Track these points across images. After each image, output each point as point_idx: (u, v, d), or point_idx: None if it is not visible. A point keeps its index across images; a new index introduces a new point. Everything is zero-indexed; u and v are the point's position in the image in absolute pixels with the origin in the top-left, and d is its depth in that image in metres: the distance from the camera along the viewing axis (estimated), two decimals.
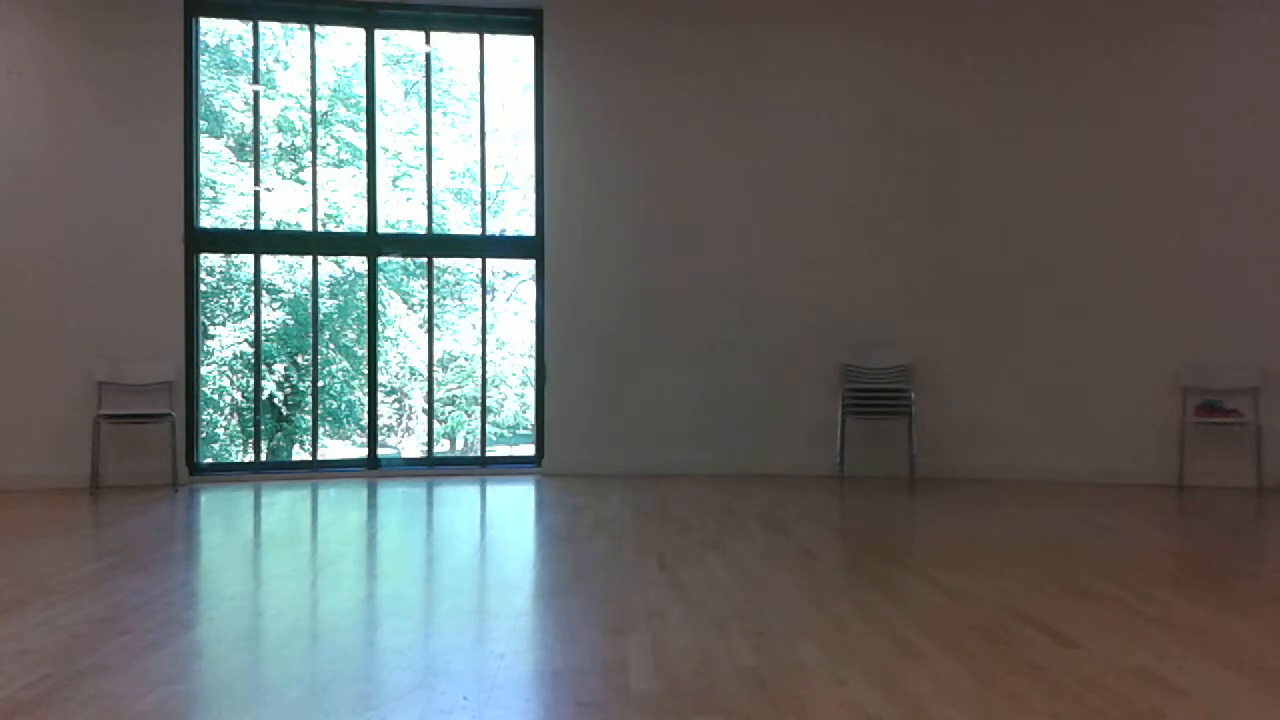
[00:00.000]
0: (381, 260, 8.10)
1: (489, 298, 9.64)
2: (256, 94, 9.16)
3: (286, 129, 13.58)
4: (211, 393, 12.42)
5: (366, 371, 7.83)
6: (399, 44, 13.37)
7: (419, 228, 12.63)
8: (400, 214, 13.56)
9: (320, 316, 9.23)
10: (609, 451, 7.14)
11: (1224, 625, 3.11)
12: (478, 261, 8.41)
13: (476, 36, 7.50)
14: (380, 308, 10.46)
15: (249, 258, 9.25)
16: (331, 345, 13.39)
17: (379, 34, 7.62)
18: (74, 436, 6.50)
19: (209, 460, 9.09)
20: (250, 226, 8.53)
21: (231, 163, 13.02)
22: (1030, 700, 2.37)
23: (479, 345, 8.50)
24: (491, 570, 4.16)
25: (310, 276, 7.57)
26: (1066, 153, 6.94)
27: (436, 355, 11.01)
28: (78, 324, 6.65)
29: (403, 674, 2.62)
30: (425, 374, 8.27)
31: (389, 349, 14.26)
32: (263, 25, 8.95)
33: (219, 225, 11.21)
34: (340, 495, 6.34)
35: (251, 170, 10.25)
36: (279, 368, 13.29)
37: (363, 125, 8.89)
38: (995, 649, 2.80)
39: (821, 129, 7.20)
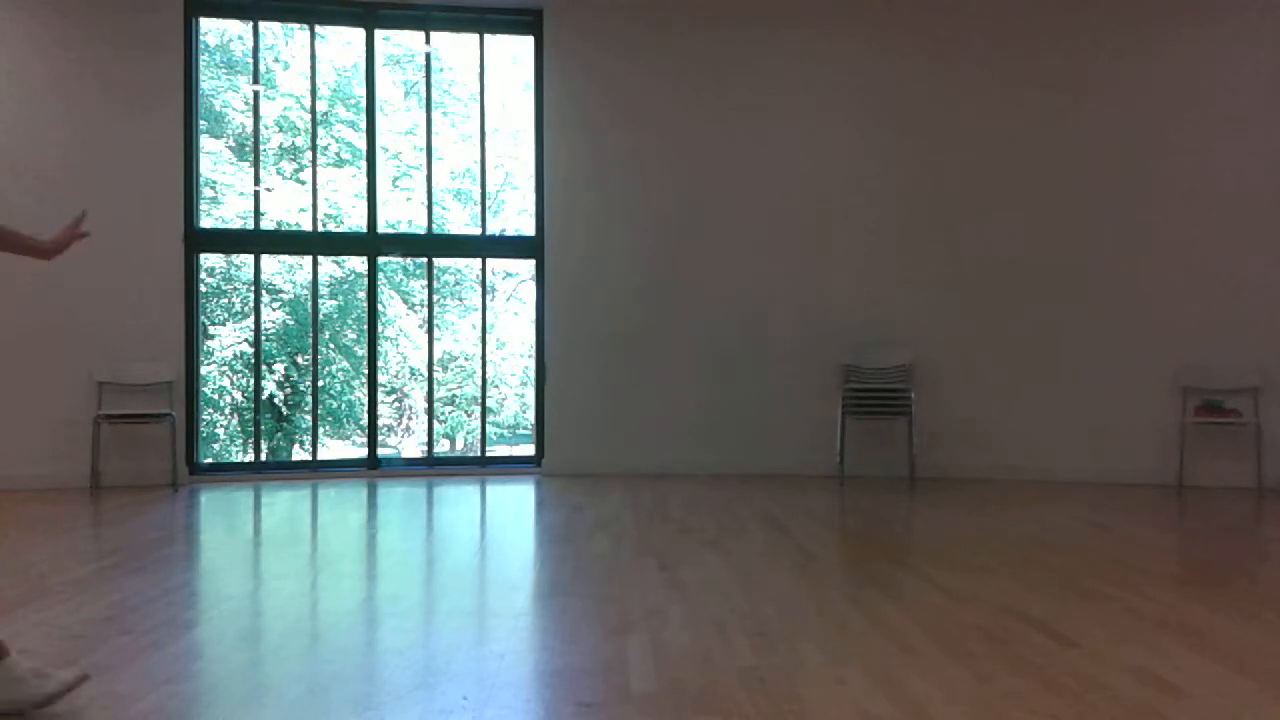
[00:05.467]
0: (381, 260, 8.10)
1: (489, 298, 9.64)
2: (256, 94, 9.16)
3: (286, 129, 13.58)
4: (211, 393, 12.42)
5: (366, 371, 7.83)
6: (399, 44, 13.36)
7: (419, 228, 12.62)
8: (400, 214, 13.56)
9: (320, 316, 9.22)
10: (609, 451, 7.14)
11: (1224, 625, 3.11)
12: (478, 261, 8.41)
13: (476, 36, 7.50)
14: (380, 308, 10.46)
15: (249, 258, 9.25)
16: (331, 345, 13.39)
17: (379, 34, 7.62)
18: (74, 436, 6.50)
19: (209, 460, 9.08)
20: (250, 226, 8.53)
21: (231, 163, 13.01)
22: (1030, 700, 2.37)
23: (479, 345, 8.50)
24: (491, 570, 4.16)
25: (310, 276, 7.57)
26: (1066, 153, 6.94)
27: (436, 355, 11.01)
28: (78, 324, 6.65)
29: (403, 674, 2.62)
30: (425, 374, 8.27)
31: (389, 349, 14.26)
32: (263, 25, 8.95)
33: (219, 225, 11.20)
34: (340, 495, 6.34)
35: (251, 170, 10.25)
36: (279, 368, 13.29)
37: (363, 125, 8.88)
38: (995, 649, 2.80)
39: (822, 129, 7.20)
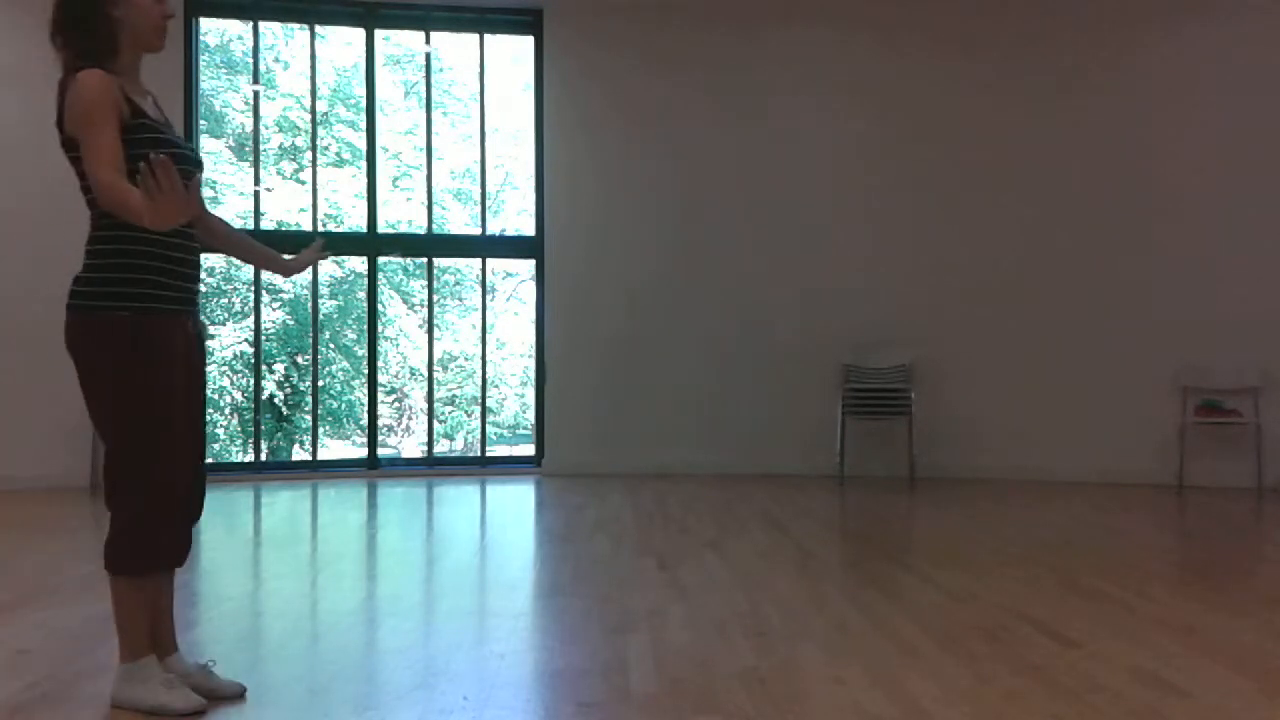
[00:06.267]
0: (381, 260, 8.10)
1: (489, 298, 9.64)
2: (256, 94, 9.16)
3: (286, 129, 13.58)
4: (211, 393, 12.39)
5: (366, 371, 7.83)
6: (399, 44, 13.35)
7: (419, 228, 12.62)
8: (400, 214, 13.55)
9: (320, 316, 9.23)
10: (609, 451, 7.13)
11: (1224, 625, 3.11)
12: (478, 261, 8.41)
13: (476, 36, 7.51)
14: (380, 308, 10.46)
15: None
16: (331, 345, 13.39)
17: (379, 34, 7.63)
18: (75, 436, 6.48)
19: (209, 460, 9.08)
20: (250, 227, 8.52)
21: (231, 163, 13.01)
22: (1030, 700, 2.36)
23: (479, 345, 8.51)
24: (491, 570, 4.16)
25: (310, 276, 7.57)
26: (1067, 153, 6.93)
27: (436, 355, 11.00)
28: None
29: (403, 674, 2.62)
30: (425, 374, 8.27)
31: (389, 349, 14.26)
32: (263, 25, 8.95)
33: None
34: (340, 495, 6.34)
35: (251, 170, 10.24)
36: (279, 368, 13.29)
37: (363, 125, 8.88)
38: (995, 649, 2.80)
39: (822, 129, 7.19)
